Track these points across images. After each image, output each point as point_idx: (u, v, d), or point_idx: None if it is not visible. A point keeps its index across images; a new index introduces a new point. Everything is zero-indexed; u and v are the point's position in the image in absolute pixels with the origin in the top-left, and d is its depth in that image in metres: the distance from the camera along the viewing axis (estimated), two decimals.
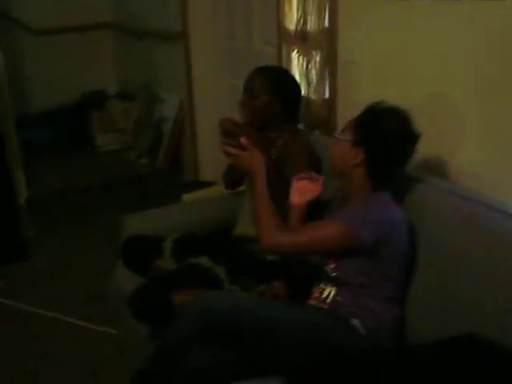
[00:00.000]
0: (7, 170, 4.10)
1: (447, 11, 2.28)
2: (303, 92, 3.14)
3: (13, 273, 3.98)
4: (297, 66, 3.17)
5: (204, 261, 2.53)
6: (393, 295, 2.11)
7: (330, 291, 2.16)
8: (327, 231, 2.09)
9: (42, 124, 5.48)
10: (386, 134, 2.10)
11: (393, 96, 2.53)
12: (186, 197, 3.51)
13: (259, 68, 2.73)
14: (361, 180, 2.15)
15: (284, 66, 3.29)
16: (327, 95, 3.00)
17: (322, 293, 2.18)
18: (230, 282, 2.45)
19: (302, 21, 3.06)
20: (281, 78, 2.72)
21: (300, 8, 3.06)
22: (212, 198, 3.30)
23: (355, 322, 2.07)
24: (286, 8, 3.16)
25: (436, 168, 2.41)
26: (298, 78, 3.17)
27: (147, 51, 5.23)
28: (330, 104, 2.97)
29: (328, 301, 2.15)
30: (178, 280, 2.44)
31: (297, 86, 2.76)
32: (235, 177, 2.85)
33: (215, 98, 4.54)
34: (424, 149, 2.20)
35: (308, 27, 3.02)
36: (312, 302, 2.20)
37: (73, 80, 5.68)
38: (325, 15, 2.91)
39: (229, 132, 2.32)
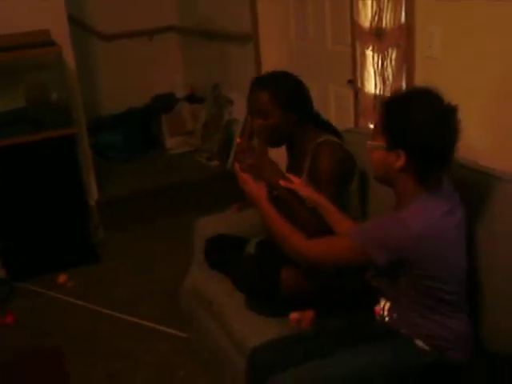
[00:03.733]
0: (79, 171, 4.14)
1: None
2: (378, 90, 3.07)
3: (84, 274, 4.03)
4: (371, 64, 3.08)
5: None
6: (451, 308, 1.99)
7: (384, 304, 2.11)
8: (341, 245, 2.03)
9: (112, 127, 5.52)
10: (420, 125, 1.87)
11: (477, 94, 2.44)
12: None
13: (256, 84, 2.56)
14: (411, 183, 1.94)
15: (358, 64, 3.21)
16: None
17: (380, 308, 2.13)
18: None
19: (376, 17, 2.97)
20: (284, 86, 2.53)
21: (374, 4, 2.97)
22: None
23: (418, 342, 2.00)
24: (360, 5, 3.08)
25: None
26: (372, 76, 3.10)
27: (216, 53, 5.21)
28: None
29: (386, 318, 2.10)
30: (276, 260, 2.44)
31: (302, 86, 2.58)
32: None
33: None
34: None
35: (383, 24, 2.93)
36: (377, 317, 2.14)
37: (142, 83, 5.72)
38: (401, 10, 2.82)
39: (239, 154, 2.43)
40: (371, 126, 2.91)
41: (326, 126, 2.61)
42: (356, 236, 1.98)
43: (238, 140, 2.48)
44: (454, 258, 1.96)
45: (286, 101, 2.49)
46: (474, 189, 2.14)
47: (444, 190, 1.97)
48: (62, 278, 3.93)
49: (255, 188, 2.26)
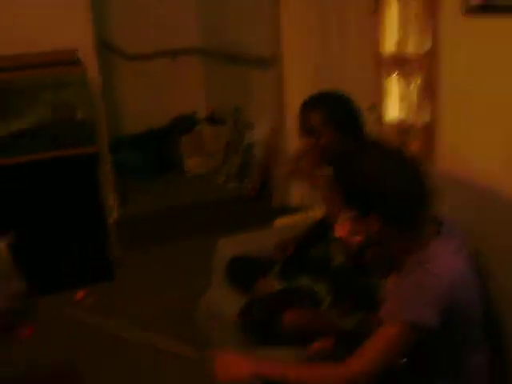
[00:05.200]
0: (99, 191, 4.17)
1: None
2: (402, 117, 3.08)
3: (100, 292, 4.03)
4: (395, 91, 3.09)
5: (304, 281, 2.57)
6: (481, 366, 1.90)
7: None
8: (385, 339, 1.76)
9: (132, 147, 5.57)
10: (381, 181, 1.75)
11: (501, 125, 2.43)
12: (278, 222, 3.46)
13: (308, 103, 2.54)
14: (401, 241, 1.81)
15: (381, 90, 3.22)
16: (428, 119, 2.91)
17: None
18: (329, 303, 2.44)
19: (402, 43, 2.99)
20: (335, 104, 2.53)
21: (400, 30, 2.98)
22: (304, 224, 3.23)
23: None
24: (386, 31, 3.10)
25: None
26: (396, 102, 3.11)
27: (238, 76, 5.25)
28: (431, 128, 2.88)
29: None
30: (282, 302, 2.48)
31: (354, 107, 2.58)
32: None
33: None
34: None
35: (409, 49, 2.94)
36: None
37: (164, 104, 5.78)
38: (426, 37, 2.83)
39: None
40: None
41: None
42: (396, 314, 1.77)
43: None
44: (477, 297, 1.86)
45: (339, 120, 2.48)
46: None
47: (444, 231, 1.83)
48: (79, 295, 3.94)
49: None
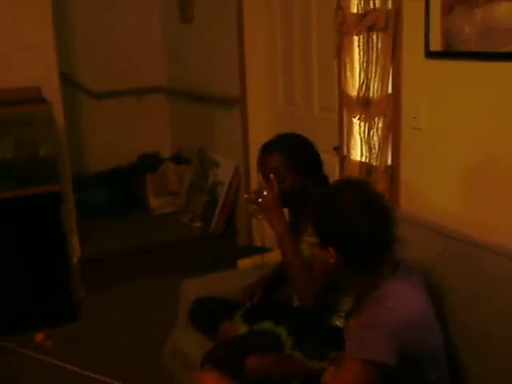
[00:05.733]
0: (62, 230, 4.12)
1: None
2: (364, 158, 3.11)
3: (63, 333, 3.95)
4: (358, 132, 3.13)
5: (267, 325, 2.54)
6: None
7: None
8: (349, 376, 1.80)
9: (97, 185, 5.53)
10: (346, 221, 1.81)
11: (461, 165, 2.48)
12: (242, 262, 3.46)
13: (268, 148, 2.55)
14: (358, 279, 1.88)
15: (345, 131, 3.26)
16: (390, 162, 2.95)
17: None
18: (290, 346, 2.40)
19: (364, 87, 3.04)
20: (296, 147, 2.55)
21: (362, 74, 3.03)
22: (268, 264, 3.25)
23: None
24: (348, 74, 3.14)
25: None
26: (358, 143, 3.14)
27: (203, 115, 5.27)
28: (393, 171, 2.92)
29: None
30: (246, 346, 2.43)
31: (313, 148, 2.59)
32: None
33: None
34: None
35: (370, 93, 2.99)
36: None
37: (130, 143, 5.75)
38: (388, 81, 2.88)
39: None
40: None
41: None
42: (355, 353, 1.81)
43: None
44: (438, 337, 1.91)
45: (299, 163, 2.49)
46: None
47: (401, 271, 1.89)
48: (39, 336, 3.86)
49: None
